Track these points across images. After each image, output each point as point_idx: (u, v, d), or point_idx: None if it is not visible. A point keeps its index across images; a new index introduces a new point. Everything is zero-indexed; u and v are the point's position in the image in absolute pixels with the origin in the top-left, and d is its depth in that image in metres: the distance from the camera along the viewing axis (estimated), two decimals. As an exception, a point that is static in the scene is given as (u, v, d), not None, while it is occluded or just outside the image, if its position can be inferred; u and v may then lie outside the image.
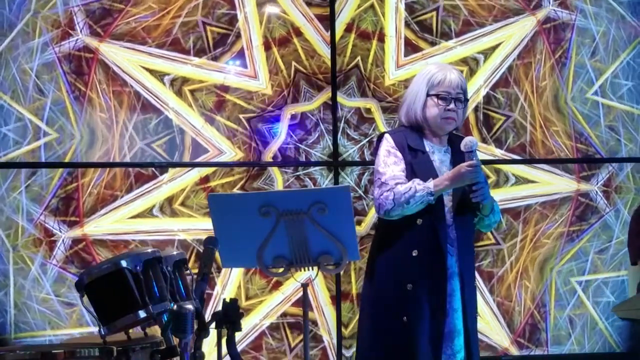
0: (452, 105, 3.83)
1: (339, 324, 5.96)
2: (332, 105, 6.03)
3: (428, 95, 3.85)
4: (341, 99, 6.05)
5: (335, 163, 6.04)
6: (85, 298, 3.61)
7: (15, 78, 5.85)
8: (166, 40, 5.92)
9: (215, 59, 5.97)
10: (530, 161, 6.18)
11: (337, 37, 6.05)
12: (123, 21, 5.90)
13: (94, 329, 5.61)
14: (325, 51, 6.03)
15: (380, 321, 3.80)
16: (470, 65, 6.14)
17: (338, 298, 5.98)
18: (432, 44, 6.13)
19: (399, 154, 3.82)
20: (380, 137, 3.90)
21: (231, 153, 5.97)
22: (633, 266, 5.51)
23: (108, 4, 5.90)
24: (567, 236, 6.20)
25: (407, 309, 3.74)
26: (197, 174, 5.93)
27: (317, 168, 6.03)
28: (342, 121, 6.03)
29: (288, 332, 5.97)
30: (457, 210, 3.80)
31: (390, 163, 3.81)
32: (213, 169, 5.94)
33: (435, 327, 3.73)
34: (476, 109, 6.14)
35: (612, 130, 6.23)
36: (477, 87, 6.13)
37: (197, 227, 5.90)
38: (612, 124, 6.23)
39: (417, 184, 3.74)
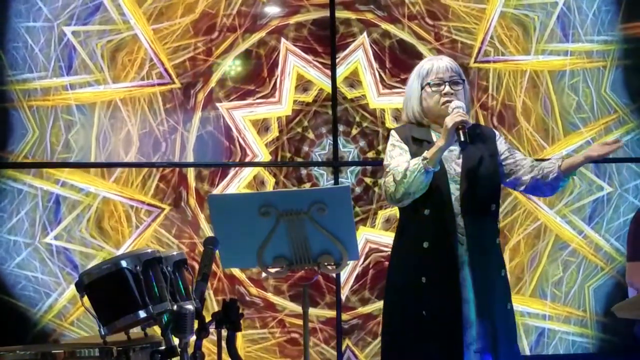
0: (447, 89, 3.84)
1: (339, 324, 5.96)
2: (332, 105, 6.04)
3: (422, 87, 3.87)
4: (342, 88, 6.06)
5: (335, 163, 6.04)
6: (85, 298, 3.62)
7: None
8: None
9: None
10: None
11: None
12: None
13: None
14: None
15: (400, 314, 3.80)
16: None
17: (338, 299, 5.97)
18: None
19: (403, 145, 3.85)
20: (388, 135, 3.94)
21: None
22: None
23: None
24: None
25: (424, 302, 3.74)
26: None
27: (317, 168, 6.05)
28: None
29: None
30: (467, 197, 3.77)
31: (395, 155, 3.84)
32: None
33: (452, 318, 3.71)
34: None
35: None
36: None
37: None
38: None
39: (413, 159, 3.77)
